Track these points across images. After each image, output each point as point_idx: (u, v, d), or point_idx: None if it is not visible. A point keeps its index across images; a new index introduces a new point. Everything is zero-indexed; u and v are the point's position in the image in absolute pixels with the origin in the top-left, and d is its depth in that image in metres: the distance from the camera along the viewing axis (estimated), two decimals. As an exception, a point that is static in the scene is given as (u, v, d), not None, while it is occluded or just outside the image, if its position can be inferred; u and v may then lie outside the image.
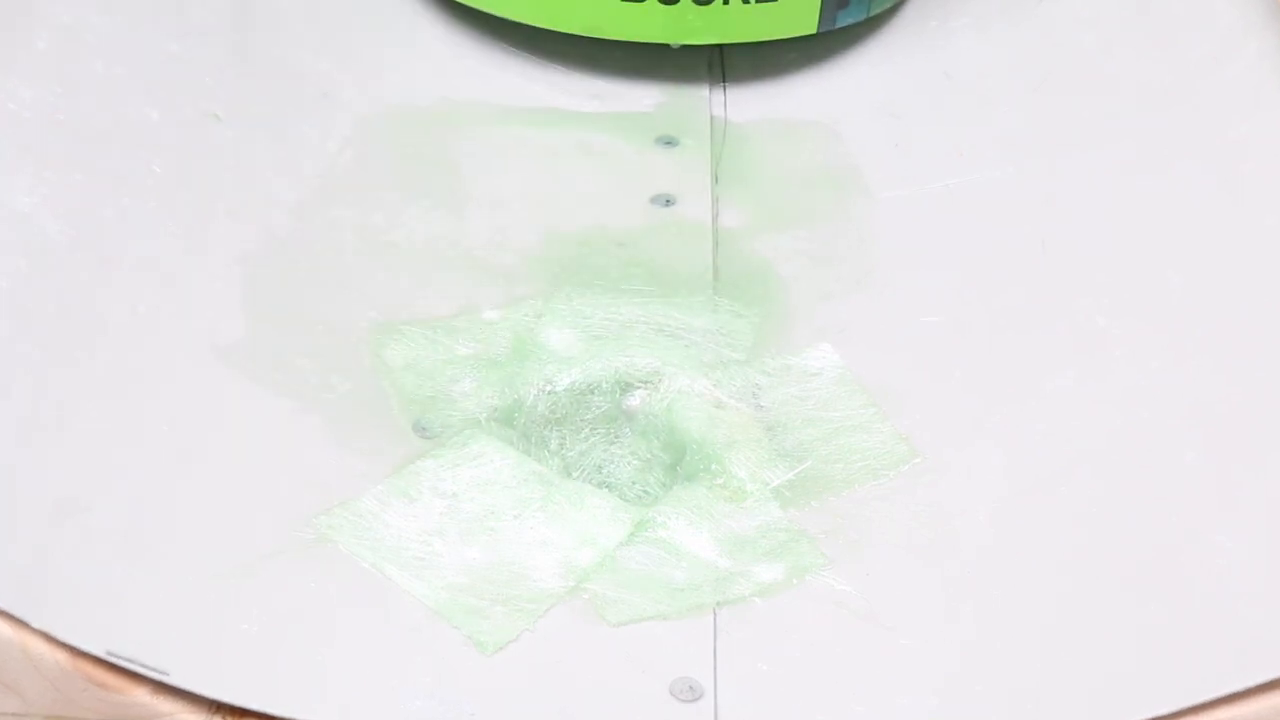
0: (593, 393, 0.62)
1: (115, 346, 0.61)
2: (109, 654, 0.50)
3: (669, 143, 0.76)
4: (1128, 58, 0.79)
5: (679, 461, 0.60)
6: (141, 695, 0.50)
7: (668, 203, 0.72)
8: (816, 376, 0.63)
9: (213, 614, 0.53)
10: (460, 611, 0.53)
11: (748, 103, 0.79)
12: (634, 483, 0.60)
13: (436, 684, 0.51)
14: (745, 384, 0.63)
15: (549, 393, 0.62)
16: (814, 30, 0.78)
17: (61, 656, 0.50)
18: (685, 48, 0.78)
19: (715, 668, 0.53)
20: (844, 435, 0.61)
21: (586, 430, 0.61)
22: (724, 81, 0.81)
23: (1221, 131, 0.72)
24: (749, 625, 0.54)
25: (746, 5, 0.76)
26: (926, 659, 0.53)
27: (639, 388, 0.62)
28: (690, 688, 0.52)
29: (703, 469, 0.59)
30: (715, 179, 0.74)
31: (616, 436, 0.61)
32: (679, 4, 0.76)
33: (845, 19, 0.79)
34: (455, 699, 0.51)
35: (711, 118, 0.78)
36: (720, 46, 0.81)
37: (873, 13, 0.80)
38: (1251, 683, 0.50)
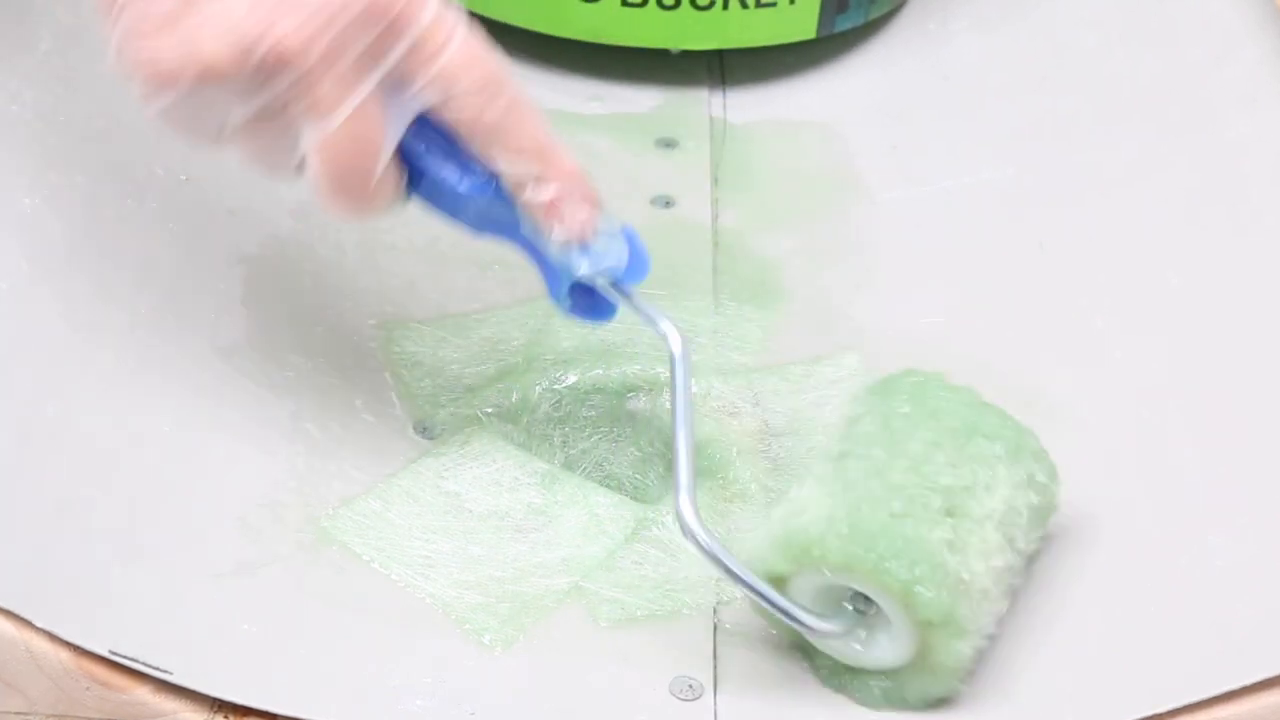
0: (598, 392, 0.62)
1: (117, 346, 0.61)
2: (111, 653, 0.50)
3: (669, 144, 0.77)
4: (1127, 58, 0.79)
5: (680, 461, 0.60)
6: (143, 694, 0.50)
7: (668, 204, 0.73)
8: (835, 384, 0.63)
9: (214, 613, 0.53)
10: (466, 609, 0.53)
11: (747, 104, 0.79)
12: (634, 481, 0.60)
13: (436, 683, 0.51)
14: (751, 387, 0.63)
15: (553, 390, 0.62)
16: (813, 35, 0.79)
17: (65, 656, 0.50)
18: (685, 51, 0.79)
19: (715, 667, 0.53)
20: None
21: (589, 429, 0.61)
22: (723, 83, 0.81)
23: (1221, 131, 0.73)
24: (749, 625, 0.54)
25: (745, 10, 0.76)
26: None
27: (644, 389, 0.63)
28: (690, 686, 0.52)
29: (705, 470, 0.59)
30: (715, 180, 0.74)
31: (619, 436, 0.61)
32: (679, 9, 0.76)
33: (844, 23, 0.79)
34: (455, 698, 0.51)
35: (711, 119, 0.78)
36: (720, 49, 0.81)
37: (871, 17, 0.80)
38: (1249, 680, 0.50)
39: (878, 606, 0.49)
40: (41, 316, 0.61)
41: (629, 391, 0.63)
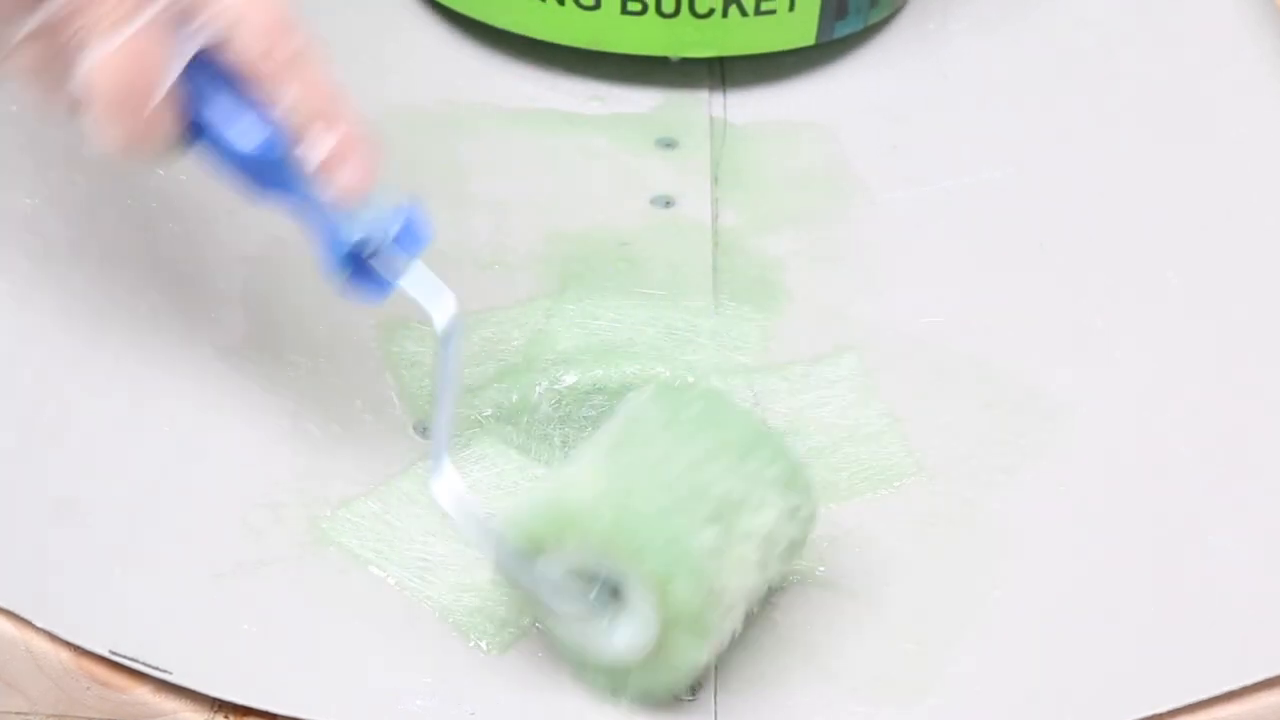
0: (598, 392, 0.62)
1: (116, 346, 0.61)
2: (111, 653, 0.50)
3: (669, 144, 0.76)
4: (1128, 58, 0.79)
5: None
6: (143, 694, 0.50)
7: (668, 204, 0.73)
8: (835, 384, 0.63)
9: (214, 613, 0.53)
10: (464, 612, 0.53)
11: (747, 104, 0.79)
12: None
13: (436, 684, 0.51)
14: (751, 387, 0.63)
15: (553, 390, 0.62)
16: (813, 42, 0.79)
17: (65, 656, 0.50)
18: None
19: (715, 668, 0.53)
20: (853, 444, 0.61)
21: (589, 429, 0.61)
22: (723, 83, 0.81)
23: (1221, 131, 0.73)
24: (749, 626, 0.54)
25: (745, 19, 0.76)
26: (926, 660, 0.53)
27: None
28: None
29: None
30: (715, 180, 0.74)
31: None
32: (678, 18, 0.76)
33: (843, 29, 0.79)
34: (455, 698, 0.51)
35: (711, 119, 0.78)
36: (719, 52, 0.81)
37: (870, 22, 0.80)
38: (1249, 680, 0.50)
39: (623, 599, 0.50)
40: (41, 316, 0.61)
41: (629, 391, 0.62)
